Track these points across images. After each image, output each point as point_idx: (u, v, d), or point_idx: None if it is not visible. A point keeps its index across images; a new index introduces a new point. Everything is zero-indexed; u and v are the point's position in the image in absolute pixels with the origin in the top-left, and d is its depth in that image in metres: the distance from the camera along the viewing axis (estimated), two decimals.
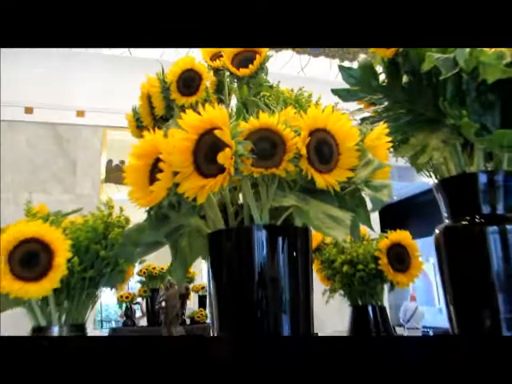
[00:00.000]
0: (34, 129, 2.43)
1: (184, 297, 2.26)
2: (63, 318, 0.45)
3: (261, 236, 0.39)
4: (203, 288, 3.25)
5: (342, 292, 0.71)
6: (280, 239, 0.39)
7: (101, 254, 0.45)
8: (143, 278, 3.54)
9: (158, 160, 0.37)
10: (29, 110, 2.44)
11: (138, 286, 3.45)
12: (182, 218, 0.43)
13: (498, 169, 0.51)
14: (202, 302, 3.22)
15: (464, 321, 0.51)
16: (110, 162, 2.68)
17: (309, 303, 0.42)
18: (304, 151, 0.34)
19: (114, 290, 0.51)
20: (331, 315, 1.88)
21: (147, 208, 0.42)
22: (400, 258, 0.67)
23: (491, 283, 0.49)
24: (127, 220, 0.47)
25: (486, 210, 0.51)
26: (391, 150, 0.52)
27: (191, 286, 2.78)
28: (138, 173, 0.38)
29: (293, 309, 0.40)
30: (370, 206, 0.39)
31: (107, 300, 3.57)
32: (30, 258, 0.39)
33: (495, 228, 0.50)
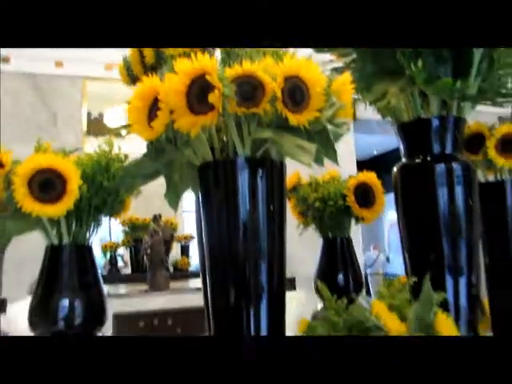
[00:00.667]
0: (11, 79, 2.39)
1: (168, 243, 2.37)
2: (70, 238, 0.53)
3: (243, 166, 0.47)
4: (186, 238, 3.37)
5: (314, 226, 0.81)
6: (260, 170, 0.47)
7: (104, 184, 0.52)
8: (127, 229, 3.63)
9: (156, 101, 0.43)
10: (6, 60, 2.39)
11: (122, 236, 3.53)
12: (176, 151, 0.51)
13: (449, 114, 0.60)
14: (184, 251, 3.35)
15: (413, 260, 0.60)
16: (89, 114, 2.68)
17: (283, 229, 0.51)
18: (279, 94, 0.41)
19: (113, 218, 0.59)
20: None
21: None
22: (366, 196, 0.76)
23: (438, 217, 0.58)
24: (126, 156, 0.54)
25: (436, 150, 0.60)
26: (358, 96, 0.60)
27: (175, 235, 2.89)
28: (139, 112, 0.44)
29: (269, 234, 0.49)
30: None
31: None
32: (47, 184, 0.46)
33: (443, 165, 0.59)
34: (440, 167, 0.59)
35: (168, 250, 2.42)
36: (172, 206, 0.56)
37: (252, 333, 0.47)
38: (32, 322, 0.53)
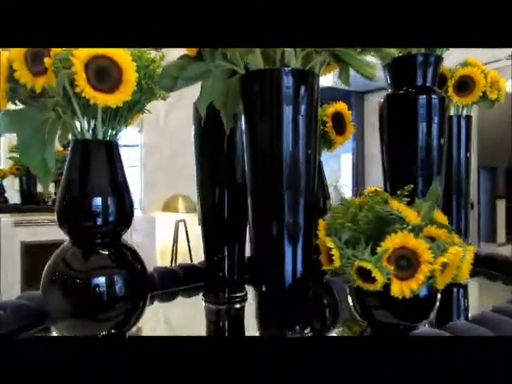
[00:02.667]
0: None
1: None
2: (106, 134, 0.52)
3: (291, 76, 0.50)
4: None
5: None
6: (306, 81, 0.51)
7: (142, 82, 0.51)
8: (16, 155, 3.31)
9: None
10: None
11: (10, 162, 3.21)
12: (217, 59, 0.52)
13: (432, 52, 0.69)
14: None
15: (393, 176, 0.71)
16: None
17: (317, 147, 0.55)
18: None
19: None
20: None
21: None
22: (339, 124, 0.84)
23: (417, 139, 0.69)
24: (163, 56, 0.54)
25: (419, 82, 0.70)
26: None
27: None
28: None
29: (307, 154, 0.52)
30: None
31: None
32: (103, 71, 0.45)
33: (424, 96, 0.69)
34: (422, 97, 0.69)
35: None
36: (201, 111, 0.57)
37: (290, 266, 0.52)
38: (63, 217, 0.52)
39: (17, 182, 3.35)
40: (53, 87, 0.45)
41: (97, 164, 0.52)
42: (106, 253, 0.53)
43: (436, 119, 0.68)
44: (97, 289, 0.50)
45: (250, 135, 0.53)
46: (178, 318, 0.77)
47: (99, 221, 0.52)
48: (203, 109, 0.57)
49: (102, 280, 0.51)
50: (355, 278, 0.52)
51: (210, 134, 0.72)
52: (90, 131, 0.51)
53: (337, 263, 0.52)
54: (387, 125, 0.72)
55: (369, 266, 0.49)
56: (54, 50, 0.44)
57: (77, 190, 0.51)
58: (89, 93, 0.43)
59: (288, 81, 0.51)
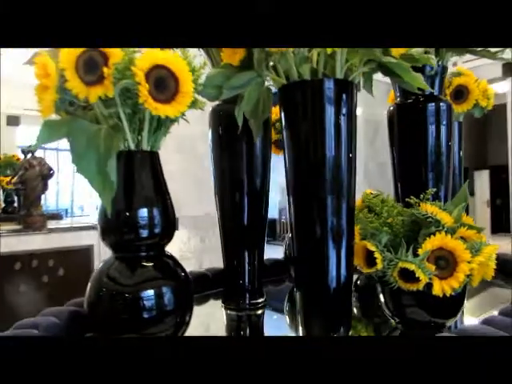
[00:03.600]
0: None
1: (46, 177, 2.13)
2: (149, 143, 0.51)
3: (333, 87, 0.52)
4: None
5: None
6: (346, 92, 0.53)
7: None
8: None
9: None
10: None
11: None
12: (260, 69, 0.53)
13: (439, 63, 0.74)
14: None
15: (404, 185, 0.74)
16: None
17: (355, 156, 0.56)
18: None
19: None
20: None
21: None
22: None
23: (427, 147, 0.72)
24: (204, 64, 0.53)
25: (427, 91, 0.74)
26: None
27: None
28: None
29: (348, 163, 0.53)
30: None
31: None
32: (161, 82, 0.44)
33: (433, 104, 0.73)
34: (431, 105, 0.73)
35: (45, 185, 2.18)
36: (238, 120, 0.58)
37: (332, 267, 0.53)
38: (107, 231, 0.50)
39: None
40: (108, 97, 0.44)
41: (142, 175, 0.51)
42: (152, 265, 0.52)
43: (445, 125, 0.73)
44: (147, 302, 0.49)
45: (292, 142, 0.54)
46: (198, 325, 0.76)
47: (145, 233, 0.51)
48: (241, 117, 0.57)
49: (151, 293, 0.50)
50: (397, 279, 0.54)
51: (229, 141, 0.72)
52: (134, 142, 0.50)
53: (379, 266, 0.54)
54: (397, 132, 0.75)
55: (412, 267, 0.52)
56: (113, 59, 0.43)
57: (121, 203, 0.50)
58: (151, 104, 0.43)
59: (330, 91, 0.52)
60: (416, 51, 0.53)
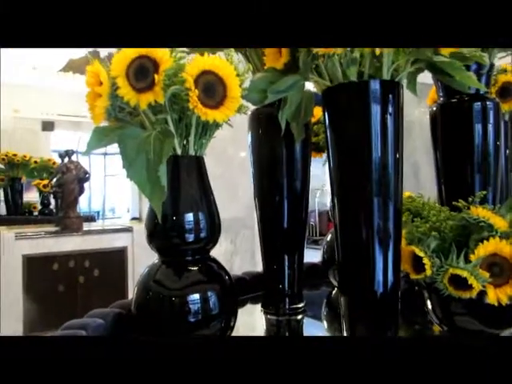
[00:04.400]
0: None
1: (82, 181, 2.18)
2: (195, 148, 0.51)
3: (376, 89, 0.51)
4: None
5: None
6: (393, 93, 0.52)
7: None
8: (2, 166, 3.22)
9: None
10: None
11: None
12: (305, 72, 0.52)
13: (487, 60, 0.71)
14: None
15: (448, 187, 0.72)
16: (95, 51, 2.31)
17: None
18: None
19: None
20: None
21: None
22: None
23: (473, 148, 0.70)
24: (248, 68, 0.53)
25: (472, 90, 0.71)
26: None
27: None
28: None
29: (395, 164, 0.52)
30: None
31: None
32: (210, 87, 0.44)
33: (478, 103, 0.71)
34: (477, 105, 0.71)
35: (82, 188, 2.24)
36: (282, 124, 0.57)
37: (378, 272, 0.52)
38: (154, 235, 0.51)
39: (1, 192, 3.27)
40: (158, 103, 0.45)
41: (189, 180, 0.51)
42: (197, 269, 0.52)
43: (492, 124, 0.70)
44: (193, 306, 0.49)
45: (337, 144, 0.53)
46: (239, 329, 0.76)
47: (191, 238, 0.51)
48: (284, 120, 0.56)
49: (197, 297, 0.50)
50: (447, 286, 0.52)
51: (269, 144, 0.72)
52: (181, 147, 0.51)
53: (428, 272, 0.53)
54: (441, 132, 0.73)
55: (465, 274, 0.50)
56: (163, 66, 0.43)
57: (169, 207, 0.50)
58: (201, 110, 0.43)
59: (377, 92, 0.51)
60: (467, 49, 0.51)
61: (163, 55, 0.43)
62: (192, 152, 0.51)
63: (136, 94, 0.44)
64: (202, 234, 0.51)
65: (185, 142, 0.51)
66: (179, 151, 0.50)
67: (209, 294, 0.51)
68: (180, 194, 0.51)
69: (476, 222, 0.53)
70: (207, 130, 0.51)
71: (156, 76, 0.43)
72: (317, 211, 3.81)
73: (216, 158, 2.69)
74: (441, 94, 0.74)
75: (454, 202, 0.59)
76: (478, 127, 0.70)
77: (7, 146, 3.39)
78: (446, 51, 0.49)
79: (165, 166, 0.43)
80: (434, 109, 0.74)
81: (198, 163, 0.52)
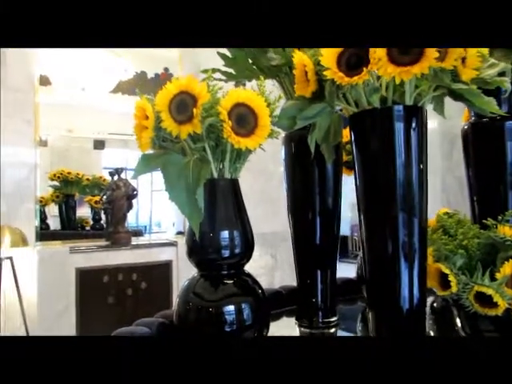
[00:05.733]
0: None
1: (130, 198, 2.31)
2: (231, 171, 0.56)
3: (403, 114, 0.54)
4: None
5: None
6: (416, 118, 0.54)
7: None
8: (57, 183, 3.43)
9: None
10: None
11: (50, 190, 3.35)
12: (331, 100, 0.56)
13: None
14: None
15: (481, 204, 0.72)
16: (143, 73, 2.86)
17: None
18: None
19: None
20: None
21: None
22: None
23: (506, 167, 0.71)
24: (279, 97, 0.58)
25: (504, 109, 0.72)
26: None
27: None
28: (332, 57, 0.49)
29: (420, 184, 0.54)
30: None
31: None
32: (242, 118, 0.49)
33: (510, 123, 0.71)
34: (509, 124, 0.72)
35: (130, 204, 2.36)
36: (311, 146, 0.61)
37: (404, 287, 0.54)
38: (194, 251, 0.56)
39: (52, 208, 3.49)
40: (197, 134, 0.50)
41: (224, 200, 0.56)
42: (232, 283, 0.56)
43: None
44: (228, 317, 0.54)
45: (363, 164, 0.56)
46: None
47: (226, 253, 0.56)
48: (313, 144, 0.60)
49: (232, 308, 0.54)
50: (473, 303, 0.54)
51: (302, 164, 0.76)
52: (217, 170, 0.56)
53: (454, 289, 0.54)
54: (473, 151, 0.74)
55: (490, 292, 0.52)
56: (201, 100, 0.48)
57: (206, 226, 0.55)
58: (234, 139, 0.48)
59: (400, 117, 0.54)
60: (488, 74, 0.53)
61: (201, 91, 0.49)
62: (227, 175, 0.56)
63: (177, 126, 0.50)
64: (237, 250, 0.56)
65: (221, 166, 0.56)
66: (216, 175, 0.55)
67: (243, 305, 0.55)
68: (216, 213, 0.55)
69: (503, 241, 0.55)
70: (241, 155, 0.56)
71: (195, 110, 0.48)
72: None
73: (257, 174, 2.76)
74: (472, 113, 0.76)
75: (483, 220, 0.61)
76: (510, 145, 0.71)
77: (62, 164, 3.61)
78: (466, 77, 0.52)
79: (202, 189, 0.48)
80: (466, 127, 0.75)
81: (233, 185, 0.57)
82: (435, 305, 0.84)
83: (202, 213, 0.48)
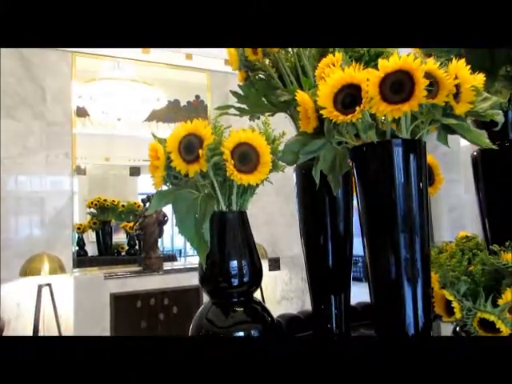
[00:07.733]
0: None
1: (161, 224, 2.40)
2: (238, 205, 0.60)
3: (401, 147, 0.56)
4: None
5: None
6: (414, 151, 0.57)
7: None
8: (94, 210, 3.58)
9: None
10: None
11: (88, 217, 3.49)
12: (329, 137, 0.59)
13: None
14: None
15: (493, 228, 0.73)
16: (176, 101, 3.02)
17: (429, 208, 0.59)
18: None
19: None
20: None
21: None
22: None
23: None
24: (283, 133, 0.62)
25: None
26: None
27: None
28: (328, 97, 0.52)
29: (420, 210, 0.56)
30: None
31: None
32: (244, 156, 0.53)
33: None
34: None
35: (161, 230, 2.44)
36: (316, 178, 0.64)
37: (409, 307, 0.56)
38: (206, 280, 0.60)
39: (90, 234, 3.62)
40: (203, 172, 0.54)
41: (233, 232, 0.60)
42: (242, 310, 0.60)
43: None
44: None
45: (364, 195, 0.59)
46: None
47: (236, 282, 0.59)
48: (317, 176, 0.64)
49: (242, 335, 0.57)
50: (477, 329, 0.54)
51: (312, 192, 0.78)
52: (226, 204, 0.60)
53: (458, 315, 0.55)
54: (483, 177, 0.75)
55: (492, 318, 0.52)
56: (206, 142, 0.53)
57: (216, 256, 0.59)
58: (237, 176, 0.52)
59: (398, 150, 0.57)
60: (482, 107, 0.55)
61: (206, 132, 0.53)
62: (235, 208, 0.59)
63: (186, 166, 0.54)
64: (245, 279, 0.59)
65: (229, 200, 0.60)
66: (224, 207, 0.59)
67: (252, 332, 0.58)
68: (225, 244, 0.59)
69: (505, 268, 0.55)
70: (247, 189, 0.60)
71: (200, 151, 0.53)
72: None
73: (288, 197, 2.79)
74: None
75: (490, 246, 0.61)
76: None
77: (100, 191, 3.77)
78: (459, 111, 0.54)
79: (207, 223, 0.52)
80: (475, 154, 0.76)
81: (241, 217, 0.61)
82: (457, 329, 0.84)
83: (208, 245, 0.52)
